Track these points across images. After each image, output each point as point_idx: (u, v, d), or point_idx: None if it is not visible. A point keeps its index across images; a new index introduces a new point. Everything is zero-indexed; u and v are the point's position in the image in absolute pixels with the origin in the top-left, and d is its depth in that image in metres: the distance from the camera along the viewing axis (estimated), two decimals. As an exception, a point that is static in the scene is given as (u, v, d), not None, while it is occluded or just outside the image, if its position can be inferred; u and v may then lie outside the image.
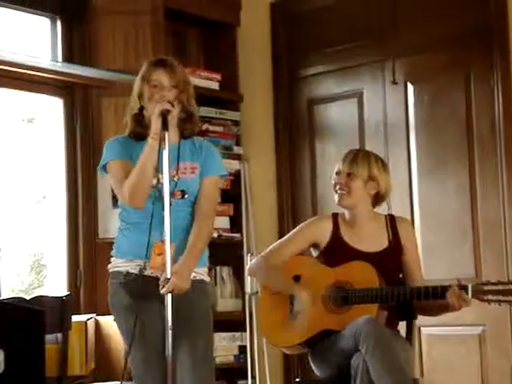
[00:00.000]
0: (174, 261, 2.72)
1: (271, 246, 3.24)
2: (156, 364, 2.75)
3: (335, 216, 3.21)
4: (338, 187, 3.15)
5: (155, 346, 2.74)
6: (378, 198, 3.19)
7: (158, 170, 2.70)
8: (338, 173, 3.17)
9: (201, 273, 2.86)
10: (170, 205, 2.73)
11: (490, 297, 2.84)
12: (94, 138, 4.29)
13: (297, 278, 3.14)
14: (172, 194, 2.76)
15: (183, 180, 2.80)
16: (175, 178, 2.78)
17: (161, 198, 2.70)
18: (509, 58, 3.99)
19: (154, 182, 2.72)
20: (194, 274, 2.79)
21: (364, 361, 2.80)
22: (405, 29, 4.33)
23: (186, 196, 2.81)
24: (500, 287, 2.83)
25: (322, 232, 3.17)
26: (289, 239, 3.23)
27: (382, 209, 3.32)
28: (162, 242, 2.69)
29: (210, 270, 2.95)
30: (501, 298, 2.82)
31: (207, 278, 2.90)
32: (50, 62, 4.26)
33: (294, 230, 3.26)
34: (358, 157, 3.16)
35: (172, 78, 2.79)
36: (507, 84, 3.98)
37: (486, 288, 2.85)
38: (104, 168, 2.86)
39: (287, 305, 3.11)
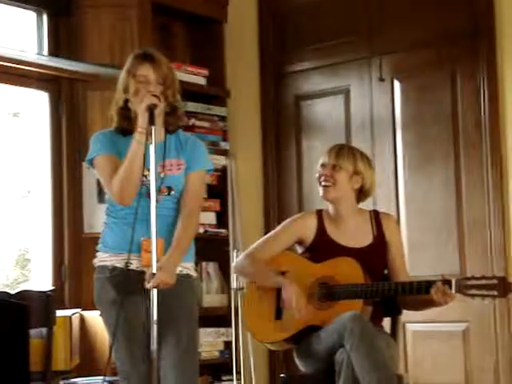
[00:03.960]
0: (163, 255, 2.71)
1: (256, 243, 3.24)
2: (141, 358, 2.74)
3: (320, 212, 3.21)
4: (322, 178, 3.15)
5: (140, 341, 2.74)
6: (361, 194, 3.20)
7: (145, 165, 2.68)
8: (323, 165, 3.17)
9: (187, 267, 2.85)
10: (157, 201, 2.72)
11: (473, 291, 2.84)
12: (80, 132, 4.27)
13: (282, 274, 3.14)
14: (158, 191, 2.76)
15: (169, 176, 2.79)
16: (161, 175, 2.77)
17: (147, 193, 2.69)
18: (495, 55, 4.01)
19: (142, 178, 2.71)
20: (180, 269, 2.79)
21: (348, 356, 2.81)
22: (392, 26, 4.33)
23: (173, 192, 2.81)
24: (483, 282, 2.83)
25: (307, 228, 3.18)
26: (273, 236, 3.23)
27: (367, 205, 3.33)
28: (150, 238, 2.68)
29: (196, 265, 2.94)
30: (484, 292, 2.83)
31: (194, 273, 2.89)
32: (35, 55, 4.24)
33: (279, 226, 3.26)
34: (344, 150, 3.18)
35: (158, 73, 2.78)
36: (493, 81, 3.99)
37: (469, 283, 2.86)
38: (91, 162, 2.85)
39: (273, 301, 3.12)
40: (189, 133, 3.07)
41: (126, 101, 2.81)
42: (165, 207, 2.79)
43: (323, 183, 3.15)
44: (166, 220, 2.78)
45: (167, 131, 2.85)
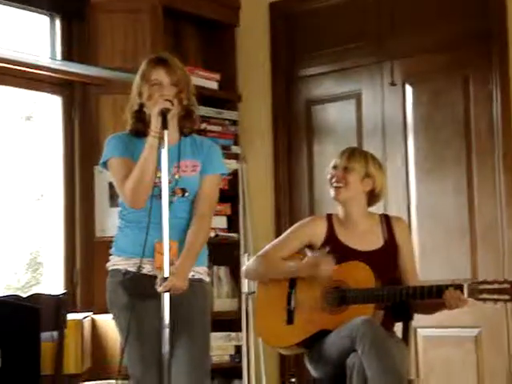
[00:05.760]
0: (177, 258, 2.72)
1: (266, 247, 3.24)
2: (153, 363, 2.74)
3: (330, 216, 3.22)
4: (334, 180, 3.15)
5: (152, 345, 2.73)
6: (372, 198, 3.19)
7: (159, 168, 2.69)
8: (334, 167, 3.18)
9: (200, 272, 2.85)
10: (171, 203, 2.73)
11: (485, 295, 2.84)
12: (92, 136, 4.28)
13: (293, 279, 3.14)
14: (173, 192, 2.76)
15: (184, 178, 2.80)
16: (176, 176, 2.78)
17: (160, 196, 2.69)
18: (507, 59, 4.00)
19: (156, 180, 2.71)
20: (192, 273, 2.79)
21: (360, 361, 2.80)
22: (403, 30, 4.33)
23: (187, 194, 2.80)
24: (495, 286, 2.83)
25: (317, 232, 3.17)
26: (283, 240, 3.23)
27: (379, 209, 3.32)
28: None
29: (208, 269, 2.94)
30: (496, 296, 2.82)
31: (206, 278, 2.88)
32: (48, 59, 4.26)
33: (289, 230, 3.26)
34: (356, 153, 3.19)
35: (172, 76, 2.78)
36: (505, 85, 3.98)
37: (481, 287, 2.85)
38: (104, 164, 2.85)
39: (284, 305, 3.12)
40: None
41: (141, 105, 2.81)
42: (179, 209, 2.79)
43: (335, 184, 3.15)
44: (180, 222, 2.78)
45: (182, 134, 2.85)
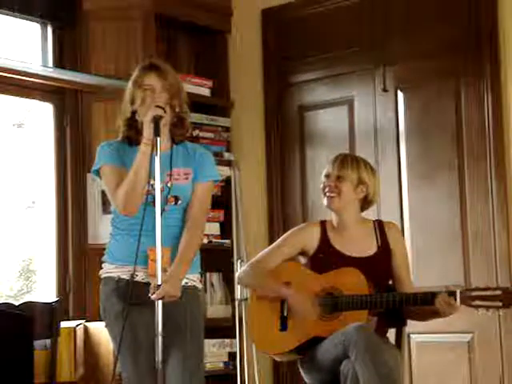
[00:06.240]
0: (170, 266, 2.72)
1: (259, 254, 3.24)
2: (147, 371, 2.73)
3: (323, 223, 3.22)
4: (327, 189, 3.15)
5: (147, 353, 2.73)
6: (365, 203, 3.20)
7: (151, 175, 2.69)
8: (327, 176, 3.18)
9: (193, 279, 2.85)
10: (164, 211, 2.73)
11: (477, 302, 2.84)
12: (84, 143, 4.28)
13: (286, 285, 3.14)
14: (165, 200, 2.76)
15: (176, 186, 2.80)
16: (168, 184, 2.77)
17: (153, 203, 2.69)
18: (499, 65, 4.01)
19: (149, 187, 2.71)
20: (185, 280, 2.79)
21: (353, 368, 2.80)
22: (396, 36, 4.34)
23: (180, 202, 2.81)
24: (488, 293, 2.83)
25: (310, 239, 3.17)
26: (277, 246, 3.23)
27: (371, 216, 3.32)
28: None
29: (201, 276, 2.94)
30: (488, 303, 2.83)
31: (199, 285, 2.89)
32: (40, 67, 4.26)
33: (282, 237, 3.26)
34: (348, 160, 3.18)
35: (163, 82, 2.79)
36: (497, 92, 4.00)
37: (473, 294, 2.86)
38: (97, 172, 2.85)
39: (277, 312, 3.11)
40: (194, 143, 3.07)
41: (134, 112, 2.82)
42: (172, 217, 2.79)
43: (328, 194, 3.15)
44: (173, 230, 2.79)
45: (174, 141, 2.86)
